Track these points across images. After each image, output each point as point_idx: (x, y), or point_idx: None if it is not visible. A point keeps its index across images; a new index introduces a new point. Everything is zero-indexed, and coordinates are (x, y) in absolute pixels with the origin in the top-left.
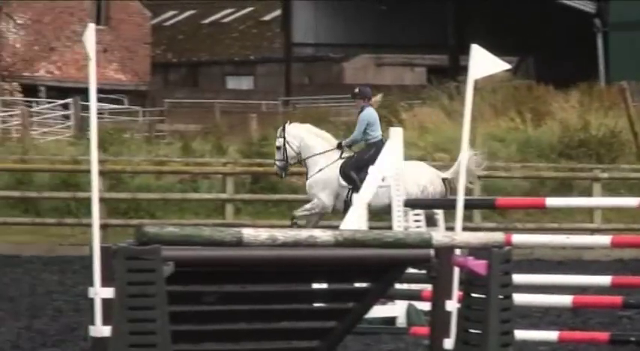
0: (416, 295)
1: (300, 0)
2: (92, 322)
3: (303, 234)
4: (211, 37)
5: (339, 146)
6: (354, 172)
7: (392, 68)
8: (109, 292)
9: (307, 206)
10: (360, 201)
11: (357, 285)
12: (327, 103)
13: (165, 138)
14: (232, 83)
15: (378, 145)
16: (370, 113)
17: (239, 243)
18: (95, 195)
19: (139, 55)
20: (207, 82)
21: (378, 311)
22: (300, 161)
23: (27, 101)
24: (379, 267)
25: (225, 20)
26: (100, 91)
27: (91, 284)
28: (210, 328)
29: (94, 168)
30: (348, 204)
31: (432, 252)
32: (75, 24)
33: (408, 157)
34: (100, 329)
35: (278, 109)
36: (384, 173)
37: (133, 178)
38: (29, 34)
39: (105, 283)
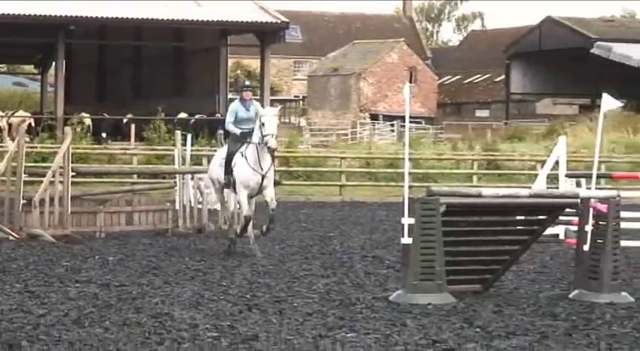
0: (569, 222)
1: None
2: (404, 236)
3: (512, 190)
4: (468, 91)
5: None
6: None
7: (561, 105)
8: (411, 221)
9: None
10: None
11: (539, 217)
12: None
13: (443, 141)
14: (479, 113)
15: None
16: None
17: (479, 195)
18: (406, 170)
19: (430, 98)
20: (467, 113)
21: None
22: None
23: (372, 123)
24: (553, 207)
25: (475, 81)
26: (410, 117)
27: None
28: (462, 239)
29: (406, 156)
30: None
31: (578, 200)
32: (399, 82)
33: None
34: (407, 240)
35: (501, 127)
36: None
37: (426, 161)
38: (375, 87)
39: (410, 216)
